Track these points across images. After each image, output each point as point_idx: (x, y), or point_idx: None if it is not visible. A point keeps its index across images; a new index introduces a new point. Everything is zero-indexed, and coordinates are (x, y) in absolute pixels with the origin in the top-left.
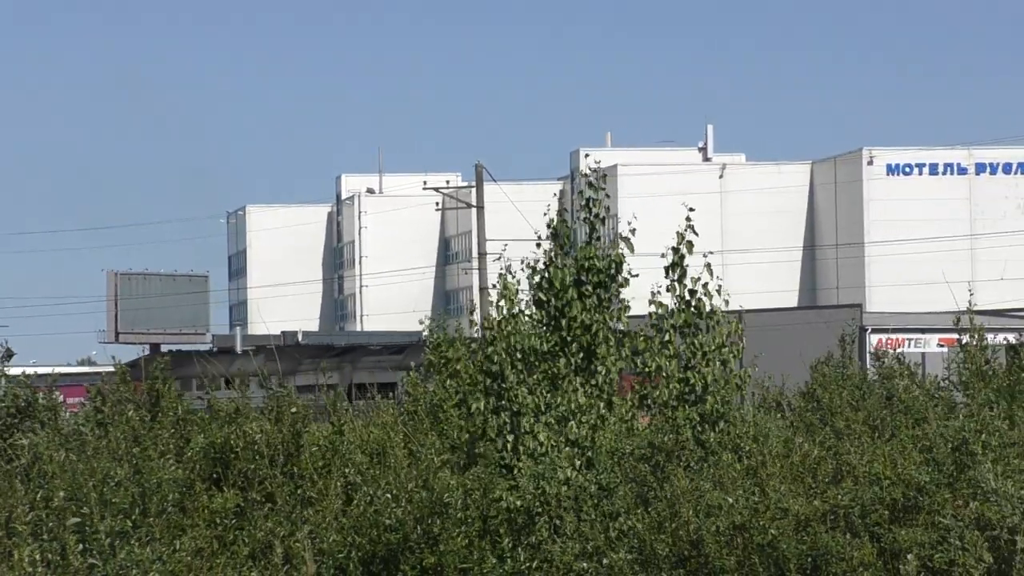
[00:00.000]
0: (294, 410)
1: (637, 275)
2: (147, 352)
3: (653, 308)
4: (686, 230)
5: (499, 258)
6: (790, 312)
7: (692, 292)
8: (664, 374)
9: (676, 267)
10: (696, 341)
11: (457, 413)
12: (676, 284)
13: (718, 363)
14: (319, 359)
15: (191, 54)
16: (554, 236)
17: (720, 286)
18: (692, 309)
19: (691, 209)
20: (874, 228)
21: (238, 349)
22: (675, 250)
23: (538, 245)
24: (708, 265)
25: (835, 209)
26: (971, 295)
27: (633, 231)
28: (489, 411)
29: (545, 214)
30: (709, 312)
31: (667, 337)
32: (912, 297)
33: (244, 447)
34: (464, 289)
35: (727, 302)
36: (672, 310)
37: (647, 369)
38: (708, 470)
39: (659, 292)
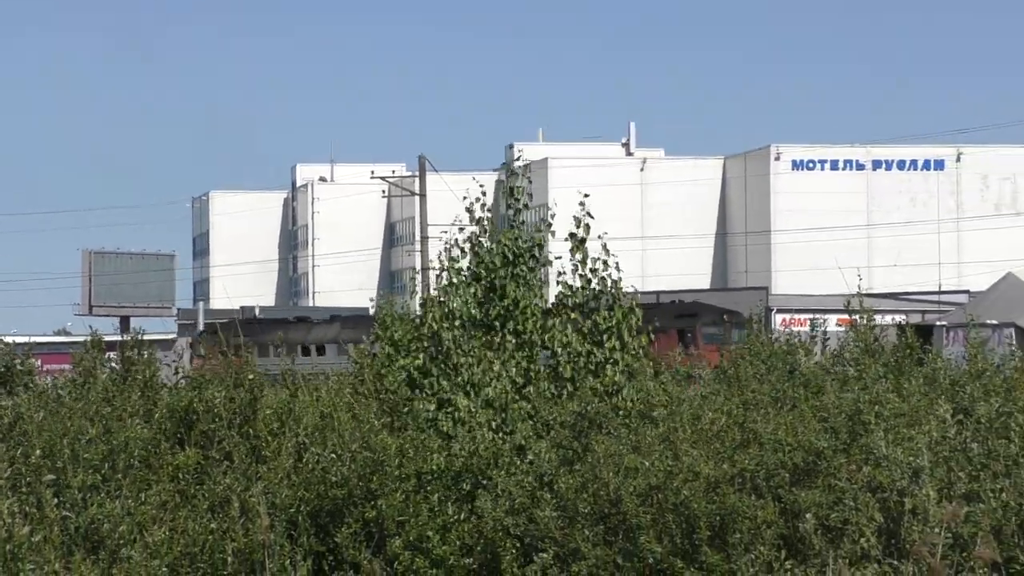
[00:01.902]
0: (251, 376)
1: (560, 257)
2: (232, 319)
3: (559, 288)
4: (584, 215)
5: (444, 235)
6: (703, 293)
7: (593, 271)
8: (568, 349)
9: (577, 249)
10: (597, 318)
11: (394, 379)
12: (579, 265)
13: (615, 339)
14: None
15: (162, 50)
16: (479, 220)
17: (617, 265)
18: (591, 288)
19: (586, 195)
20: (780, 218)
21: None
22: (573, 235)
23: (466, 226)
24: (605, 246)
25: (745, 200)
26: (859, 279)
27: (553, 216)
28: (427, 366)
29: (464, 196)
30: (608, 291)
31: (572, 315)
32: (813, 281)
33: (205, 410)
34: (407, 269)
35: (618, 282)
36: (575, 289)
37: (553, 345)
38: (627, 436)
39: (563, 273)
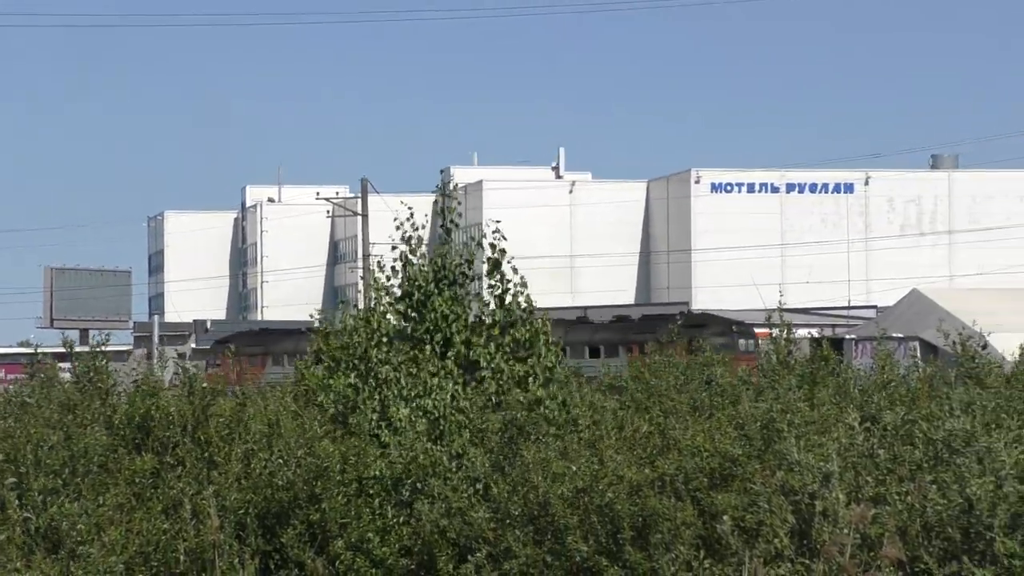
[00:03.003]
0: (204, 385)
1: (480, 275)
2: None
3: (476, 308)
4: (497, 239)
5: (379, 257)
6: (628, 308)
7: (506, 291)
8: (492, 364)
9: (493, 272)
10: (513, 335)
11: (336, 389)
12: (498, 284)
13: (535, 355)
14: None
15: (119, 75)
16: (408, 240)
17: (526, 285)
18: (505, 307)
19: (497, 221)
20: (700, 237)
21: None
22: (491, 258)
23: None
24: (514, 268)
25: (667, 220)
26: (781, 296)
27: (484, 236)
28: (359, 386)
29: (395, 220)
30: (521, 310)
31: (493, 331)
32: (731, 297)
33: (161, 417)
34: (350, 285)
35: (531, 302)
36: (493, 308)
37: (476, 359)
38: (554, 443)
39: (480, 292)
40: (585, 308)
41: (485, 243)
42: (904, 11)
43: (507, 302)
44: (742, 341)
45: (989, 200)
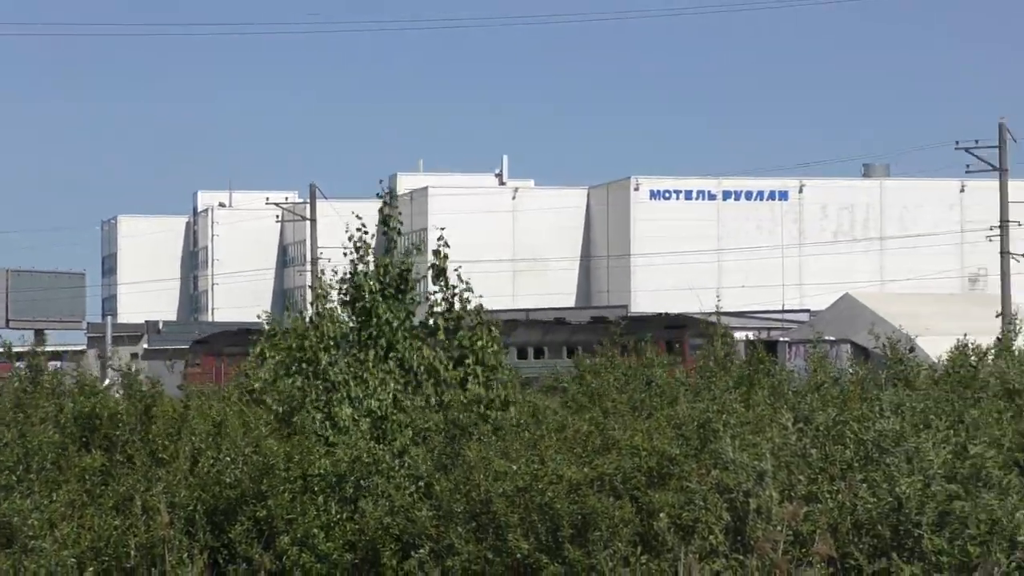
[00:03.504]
0: (144, 388)
1: (425, 276)
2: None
3: (426, 313)
4: (442, 246)
5: (330, 261)
6: (569, 311)
7: (454, 295)
8: (425, 365)
9: (439, 277)
10: (460, 339)
11: (281, 389)
12: (443, 289)
13: (474, 358)
14: None
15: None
16: (357, 248)
17: (472, 290)
18: (453, 312)
19: (442, 229)
20: (639, 243)
21: (108, 337)
22: (435, 267)
23: (348, 253)
24: (459, 274)
25: (607, 226)
26: (718, 300)
27: (423, 244)
28: (307, 388)
29: (346, 232)
30: (468, 314)
31: (439, 336)
32: (669, 300)
33: (108, 416)
34: (299, 288)
35: (481, 308)
36: (441, 312)
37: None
38: (495, 443)
39: (431, 295)
40: (527, 311)
41: (429, 250)
42: (835, 25)
43: (455, 307)
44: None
45: (918, 208)
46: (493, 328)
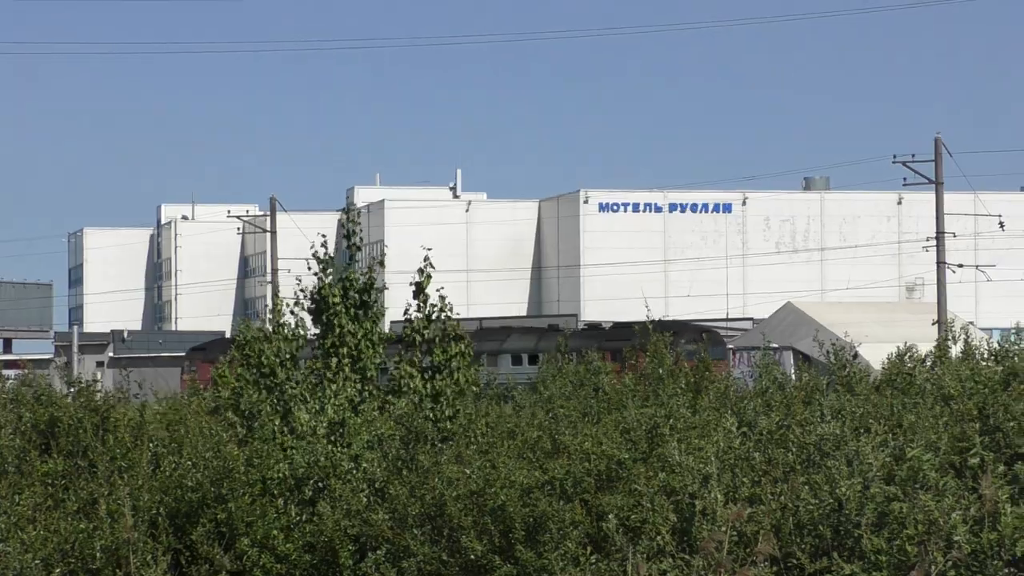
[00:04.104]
0: (99, 396)
1: (387, 288)
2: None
3: (403, 325)
4: (427, 266)
5: (291, 272)
6: (521, 319)
7: (431, 312)
8: (411, 381)
9: (419, 294)
10: (435, 353)
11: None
12: (421, 306)
13: (449, 372)
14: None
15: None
16: (321, 262)
17: (451, 307)
18: (429, 327)
19: (429, 249)
20: (588, 254)
21: (74, 346)
22: (419, 284)
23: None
24: (442, 296)
25: (558, 238)
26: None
27: (384, 256)
28: (263, 400)
29: (311, 246)
30: (444, 329)
31: (416, 353)
32: (617, 309)
33: (69, 424)
34: (259, 298)
35: (458, 322)
36: (418, 327)
37: (397, 376)
38: (450, 450)
39: (410, 308)
40: (480, 319)
41: (396, 255)
42: (778, 44)
43: (432, 320)
44: (712, 348)
45: (857, 219)
46: (466, 345)
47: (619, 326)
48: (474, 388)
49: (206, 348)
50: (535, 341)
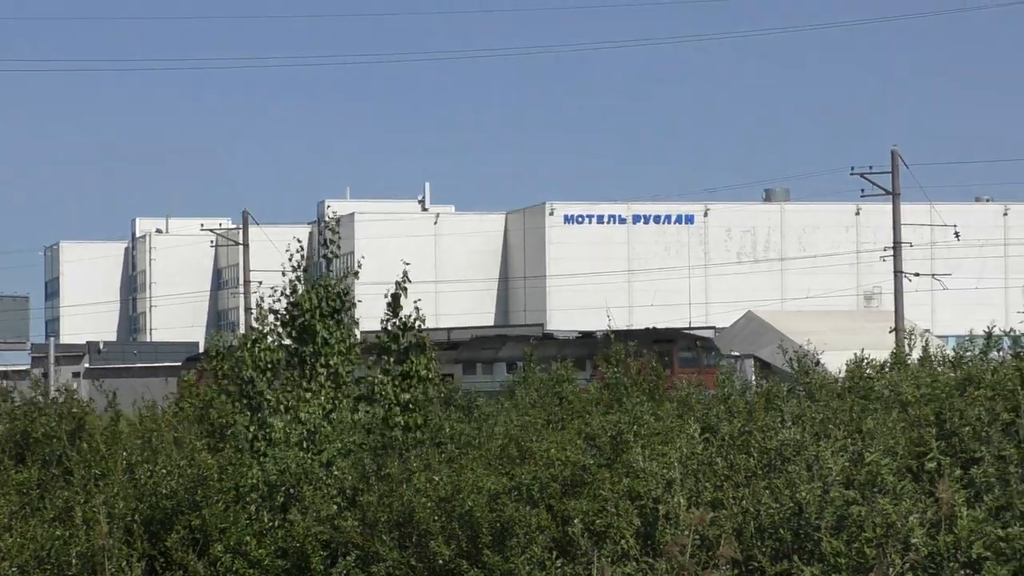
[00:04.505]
0: (74, 409)
1: (361, 301)
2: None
3: (377, 336)
4: (403, 279)
5: (261, 284)
6: (488, 329)
7: (407, 321)
8: (384, 390)
9: (395, 305)
10: (406, 364)
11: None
12: (394, 320)
13: (419, 380)
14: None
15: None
16: (296, 269)
17: (424, 318)
18: (402, 339)
19: (407, 264)
20: (553, 264)
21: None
22: (395, 295)
23: (287, 272)
24: (417, 308)
25: (524, 249)
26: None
27: (360, 268)
28: (236, 412)
29: (287, 250)
30: (418, 339)
31: (387, 360)
32: (583, 318)
33: (43, 434)
34: (232, 309)
35: (423, 336)
36: (392, 337)
37: (375, 389)
38: (418, 459)
39: (386, 320)
40: (448, 330)
41: (366, 267)
42: (738, 59)
43: (407, 331)
44: (706, 355)
45: (817, 230)
46: (433, 356)
47: (616, 334)
48: (439, 396)
49: (200, 358)
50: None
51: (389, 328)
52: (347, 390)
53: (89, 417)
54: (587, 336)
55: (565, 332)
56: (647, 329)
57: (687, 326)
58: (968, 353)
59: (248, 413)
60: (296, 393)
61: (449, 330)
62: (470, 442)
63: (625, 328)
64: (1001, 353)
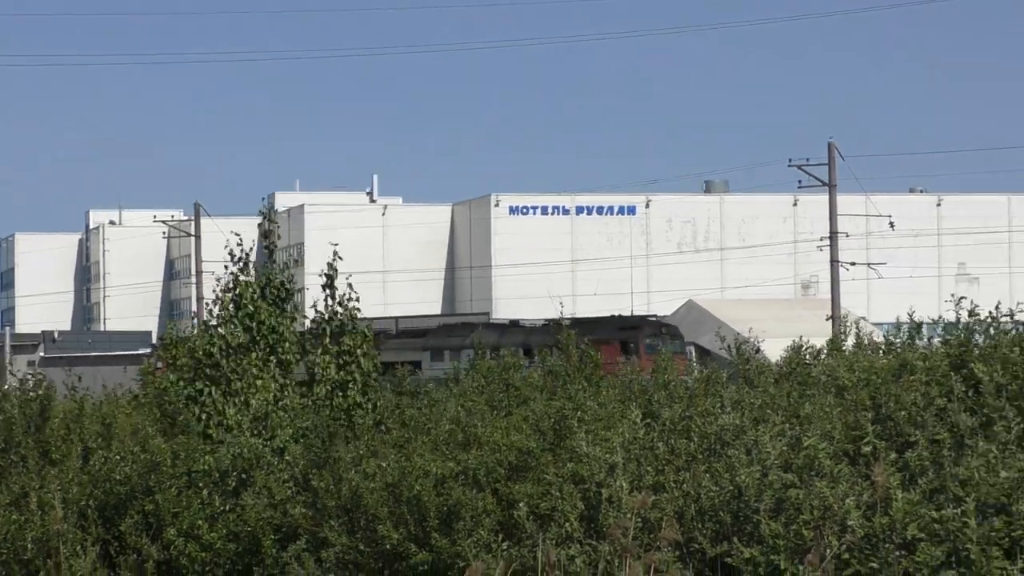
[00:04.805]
0: (40, 392)
1: (307, 288)
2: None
3: (312, 316)
4: (334, 260)
5: (214, 273)
6: (435, 318)
7: (341, 304)
8: (322, 370)
9: (327, 288)
10: (341, 344)
11: (173, 395)
12: (329, 300)
13: (355, 364)
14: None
15: None
16: (242, 262)
17: (358, 298)
18: (339, 317)
19: (335, 244)
20: (499, 255)
21: (6, 346)
22: (329, 276)
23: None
24: (350, 285)
25: (470, 240)
26: (561, 306)
27: (302, 255)
28: (203, 388)
29: (226, 246)
30: (351, 322)
31: (325, 341)
32: (528, 308)
33: (2, 420)
34: (184, 299)
35: (357, 314)
36: (327, 319)
37: (311, 367)
38: (367, 443)
39: (317, 303)
40: (396, 318)
41: (306, 263)
42: (678, 55)
43: (339, 313)
44: (670, 342)
45: (755, 220)
46: (368, 334)
47: (581, 322)
48: (375, 375)
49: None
50: (498, 337)
51: (324, 308)
52: (292, 376)
53: (53, 404)
54: (553, 323)
55: (532, 320)
56: (613, 316)
57: (630, 315)
58: (897, 340)
59: (208, 392)
60: (247, 379)
61: (397, 319)
62: (419, 427)
63: (592, 316)
64: (933, 340)
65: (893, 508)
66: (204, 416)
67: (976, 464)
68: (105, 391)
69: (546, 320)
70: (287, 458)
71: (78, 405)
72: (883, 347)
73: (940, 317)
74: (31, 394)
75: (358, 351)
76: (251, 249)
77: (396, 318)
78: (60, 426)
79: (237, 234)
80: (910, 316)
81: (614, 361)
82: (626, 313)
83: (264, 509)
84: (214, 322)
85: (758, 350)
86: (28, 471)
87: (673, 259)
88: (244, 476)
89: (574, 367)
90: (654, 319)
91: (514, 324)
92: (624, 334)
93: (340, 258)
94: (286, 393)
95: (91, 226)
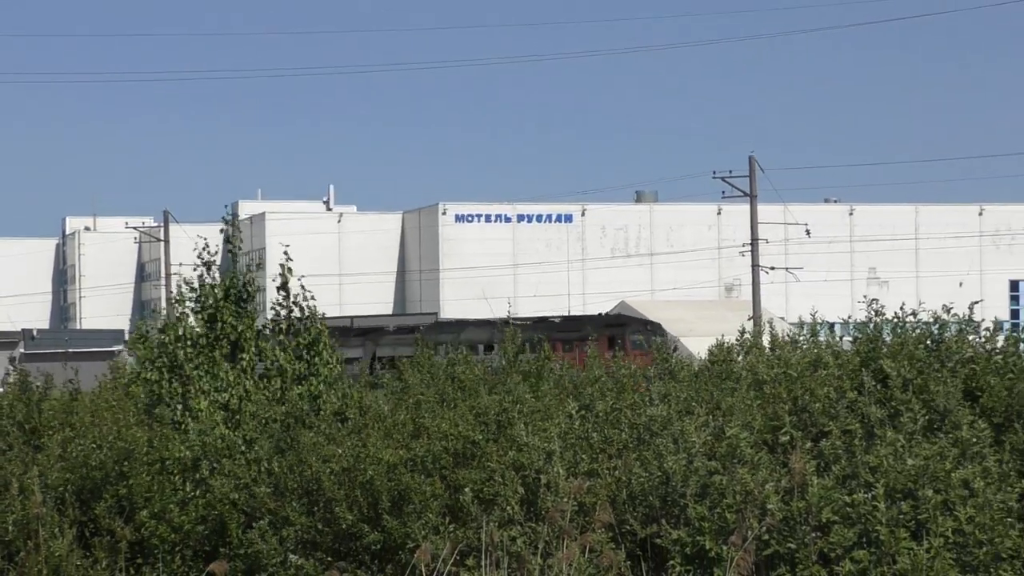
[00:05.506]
0: (37, 384)
1: (265, 289)
2: None
3: (271, 315)
4: (287, 262)
5: (180, 276)
6: (387, 318)
7: (295, 303)
8: (276, 364)
9: (281, 289)
10: (299, 340)
11: (145, 386)
12: (284, 299)
13: (315, 355)
14: (347, 338)
15: None
16: (207, 265)
17: (312, 296)
18: (294, 317)
19: (287, 245)
20: (446, 259)
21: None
22: (282, 276)
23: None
24: (302, 284)
25: (419, 245)
26: (510, 307)
27: (263, 260)
28: (164, 381)
29: (195, 249)
30: (306, 318)
31: (280, 337)
32: (473, 308)
33: None
34: (155, 300)
35: (314, 312)
36: (283, 317)
37: (269, 360)
38: (325, 430)
39: (275, 304)
40: (351, 318)
41: (267, 266)
42: (609, 72)
43: (293, 312)
44: (655, 339)
45: (682, 228)
46: (326, 330)
47: (569, 319)
48: (337, 367)
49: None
50: (489, 334)
51: (279, 308)
52: (253, 372)
53: (51, 394)
54: (542, 321)
55: (522, 318)
56: (599, 314)
57: (567, 315)
58: (801, 337)
59: (177, 388)
60: (215, 374)
61: (352, 318)
62: (377, 416)
63: (580, 314)
64: (843, 338)
65: (809, 493)
66: (175, 407)
67: (885, 452)
68: (99, 382)
69: (537, 317)
70: (256, 449)
71: (72, 397)
72: (787, 345)
73: (850, 316)
74: (35, 386)
75: (320, 344)
76: (216, 253)
77: (351, 317)
78: (51, 417)
79: (204, 238)
80: (812, 316)
81: (603, 355)
82: (562, 313)
83: (230, 491)
84: (177, 314)
85: (675, 347)
86: (12, 460)
87: (607, 263)
88: (215, 465)
89: (510, 363)
90: (640, 318)
91: (503, 321)
92: (611, 330)
93: (291, 259)
94: (247, 386)
95: (67, 232)
